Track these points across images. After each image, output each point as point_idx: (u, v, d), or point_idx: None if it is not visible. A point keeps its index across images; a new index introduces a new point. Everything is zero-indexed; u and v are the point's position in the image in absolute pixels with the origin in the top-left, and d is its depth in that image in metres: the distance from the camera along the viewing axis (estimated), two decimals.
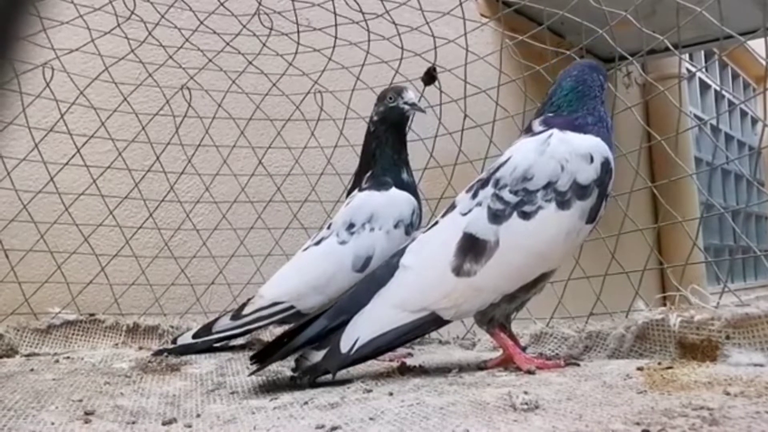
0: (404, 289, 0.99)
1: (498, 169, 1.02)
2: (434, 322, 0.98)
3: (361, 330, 0.97)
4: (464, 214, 1.00)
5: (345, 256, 1.30)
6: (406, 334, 0.97)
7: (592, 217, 0.98)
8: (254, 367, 1.01)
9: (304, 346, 0.98)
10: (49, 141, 1.57)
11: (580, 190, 0.95)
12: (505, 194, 0.97)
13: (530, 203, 0.96)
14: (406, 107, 1.37)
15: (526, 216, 0.96)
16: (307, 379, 0.98)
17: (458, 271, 0.96)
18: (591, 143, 0.99)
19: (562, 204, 0.95)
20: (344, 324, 0.98)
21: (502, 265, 0.96)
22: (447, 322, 1.00)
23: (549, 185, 0.96)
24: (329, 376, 0.98)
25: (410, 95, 1.37)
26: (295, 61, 1.79)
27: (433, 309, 0.97)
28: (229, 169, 1.80)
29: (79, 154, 1.59)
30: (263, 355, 1.00)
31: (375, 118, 1.40)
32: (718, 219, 4.35)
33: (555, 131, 1.01)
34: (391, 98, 1.38)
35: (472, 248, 0.97)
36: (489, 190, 1.00)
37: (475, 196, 1.01)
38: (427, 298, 0.97)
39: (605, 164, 0.98)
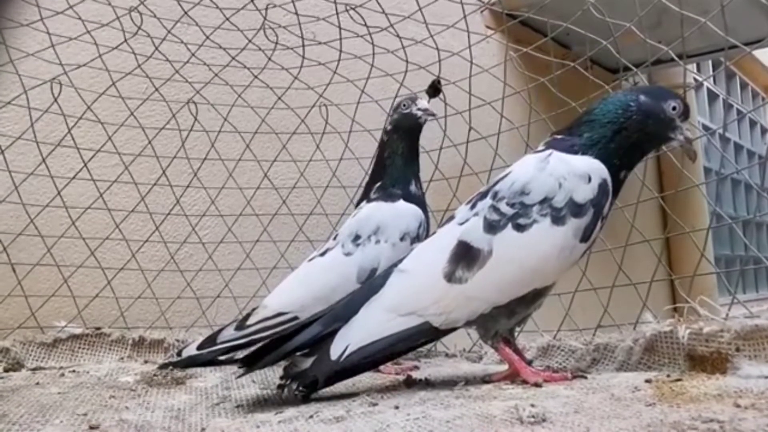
0: (396, 291, 1.00)
1: (497, 182, 1.03)
2: (426, 332, 0.98)
3: (351, 336, 0.97)
4: (461, 224, 1.01)
5: (350, 267, 1.30)
6: (396, 343, 0.97)
7: (586, 236, 0.98)
8: (242, 370, 1.00)
9: (295, 351, 0.98)
10: (56, 155, 1.58)
11: (575, 208, 0.96)
12: (502, 206, 0.98)
13: (525, 216, 0.96)
14: (420, 113, 1.39)
15: (520, 228, 0.96)
16: (295, 386, 0.96)
17: (450, 277, 0.97)
18: (589, 164, 0.99)
19: (557, 219, 0.96)
20: (338, 331, 0.98)
21: (493, 275, 0.96)
22: (439, 333, 1.00)
23: (545, 200, 0.96)
24: (330, 388, 0.97)
25: (423, 103, 1.41)
26: (300, 75, 1.80)
27: (422, 314, 0.97)
28: (234, 182, 1.81)
29: (86, 168, 1.60)
30: (253, 359, 1.00)
31: (389, 127, 1.43)
32: (728, 229, 4.31)
33: (553, 151, 1.01)
34: (405, 105, 1.41)
35: (465, 256, 0.97)
36: (487, 201, 1.01)
37: (473, 207, 1.02)
38: (418, 303, 0.97)
39: (602, 185, 0.98)
